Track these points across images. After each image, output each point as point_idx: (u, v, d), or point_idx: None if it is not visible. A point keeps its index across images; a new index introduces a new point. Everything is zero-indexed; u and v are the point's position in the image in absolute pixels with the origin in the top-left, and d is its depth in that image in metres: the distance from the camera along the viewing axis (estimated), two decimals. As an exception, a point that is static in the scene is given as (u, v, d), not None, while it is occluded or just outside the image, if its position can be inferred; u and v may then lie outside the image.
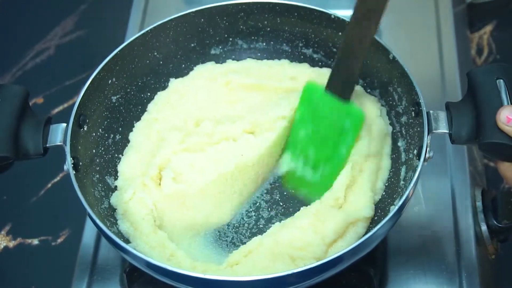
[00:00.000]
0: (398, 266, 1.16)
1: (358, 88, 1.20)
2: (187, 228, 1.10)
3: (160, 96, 1.23)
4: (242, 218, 1.14)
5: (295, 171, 1.15)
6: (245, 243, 1.06)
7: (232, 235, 1.12)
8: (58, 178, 1.45)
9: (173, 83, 1.23)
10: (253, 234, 1.11)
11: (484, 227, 1.19)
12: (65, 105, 1.56)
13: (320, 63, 1.25)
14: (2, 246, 1.36)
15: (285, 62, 1.25)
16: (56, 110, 1.55)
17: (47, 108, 1.55)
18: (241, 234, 1.12)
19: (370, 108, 1.16)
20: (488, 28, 1.63)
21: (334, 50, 1.21)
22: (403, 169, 1.10)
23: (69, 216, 1.37)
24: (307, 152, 1.12)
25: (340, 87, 1.04)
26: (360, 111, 1.05)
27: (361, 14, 0.97)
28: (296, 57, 1.26)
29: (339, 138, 1.07)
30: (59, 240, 1.37)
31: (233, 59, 1.27)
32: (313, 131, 1.10)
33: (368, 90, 1.20)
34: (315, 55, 1.25)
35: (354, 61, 1.01)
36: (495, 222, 1.18)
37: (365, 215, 1.06)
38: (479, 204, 1.22)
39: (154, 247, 1.04)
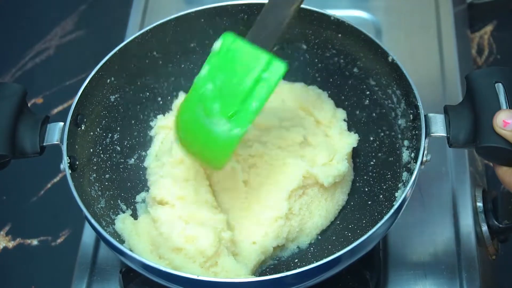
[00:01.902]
0: (399, 266, 1.16)
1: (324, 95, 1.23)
2: None
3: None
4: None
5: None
6: None
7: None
8: (58, 178, 1.45)
9: None
10: None
11: (484, 228, 1.19)
12: (65, 105, 1.56)
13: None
14: (1, 246, 1.37)
15: None
16: (56, 110, 1.55)
17: (46, 108, 1.55)
18: None
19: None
20: (489, 28, 1.63)
21: (334, 51, 1.21)
22: (401, 172, 1.10)
23: (69, 216, 1.38)
24: (211, 106, 1.00)
25: (262, 38, 0.99)
26: (281, 62, 0.97)
27: None
28: (296, 58, 1.26)
29: (253, 89, 0.97)
30: (59, 240, 1.37)
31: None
32: (223, 83, 0.99)
33: (367, 92, 1.20)
34: (314, 56, 1.25)
35: (281, 11, 0.97)
36: (496, 223, 1.18)
37: None
38: (479, 204, 1.22)
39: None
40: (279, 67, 0.96)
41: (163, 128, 1.23)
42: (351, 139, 1.18)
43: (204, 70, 1.01)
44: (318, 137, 1.19)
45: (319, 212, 1.15)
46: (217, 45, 1.01)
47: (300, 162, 1.13)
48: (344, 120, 1.22)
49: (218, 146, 0.98)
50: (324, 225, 1.16)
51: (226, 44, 1.00)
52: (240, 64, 0.98)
